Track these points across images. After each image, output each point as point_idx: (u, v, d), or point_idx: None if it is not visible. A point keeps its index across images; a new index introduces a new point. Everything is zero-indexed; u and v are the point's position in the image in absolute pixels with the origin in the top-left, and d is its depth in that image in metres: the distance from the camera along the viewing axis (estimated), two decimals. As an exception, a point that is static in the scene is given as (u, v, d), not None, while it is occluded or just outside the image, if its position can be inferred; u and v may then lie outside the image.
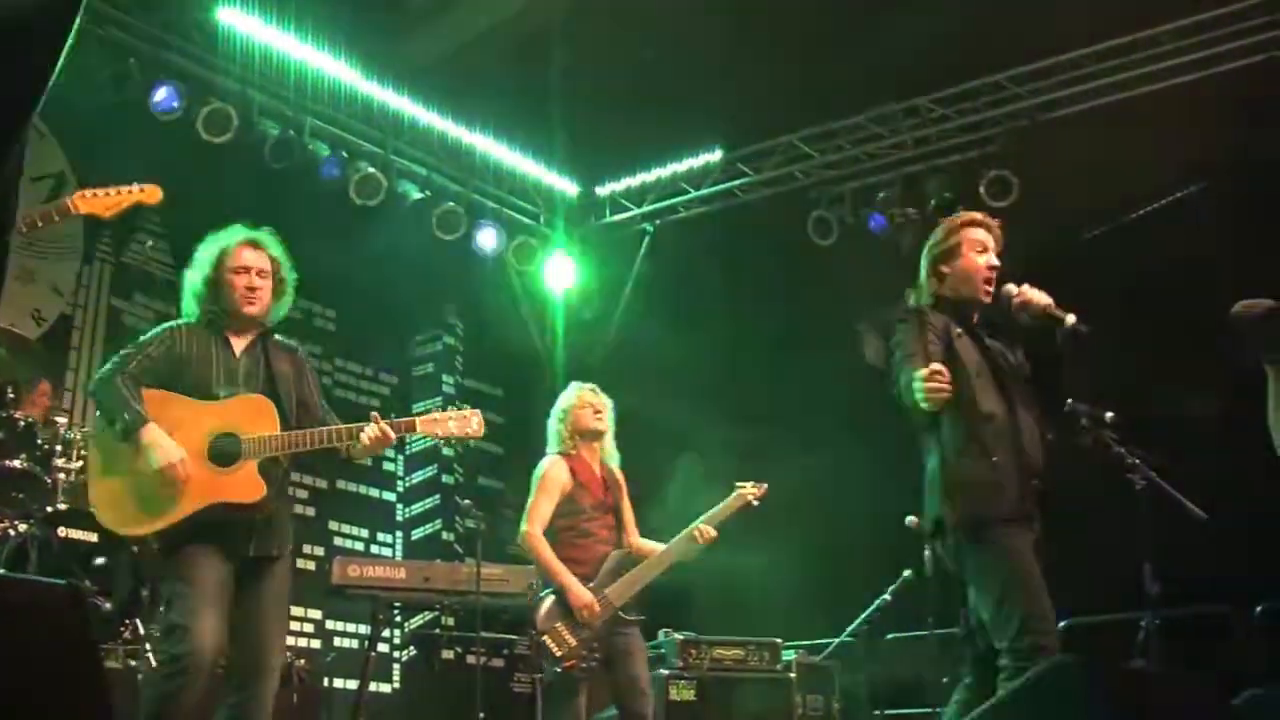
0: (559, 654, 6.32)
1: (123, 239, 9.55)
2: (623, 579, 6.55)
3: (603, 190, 11.97)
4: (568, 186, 11.95)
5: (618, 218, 11.98)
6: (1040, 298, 4.83)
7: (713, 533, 6.71)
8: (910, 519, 8.33)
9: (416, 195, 10.81)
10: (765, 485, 7.04)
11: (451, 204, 10.89)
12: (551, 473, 6.73)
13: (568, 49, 9.54)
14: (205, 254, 5.20)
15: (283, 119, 9.79)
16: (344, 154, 10.17)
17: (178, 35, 9.24)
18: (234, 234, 5.23)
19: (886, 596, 9.05)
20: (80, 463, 7.54)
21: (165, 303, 9.34)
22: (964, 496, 4.66)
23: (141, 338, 5.13)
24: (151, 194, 5.10)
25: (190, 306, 5.20)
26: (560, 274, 11.84)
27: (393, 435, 5.06)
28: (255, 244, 5.22)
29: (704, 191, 11.60)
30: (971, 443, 4.72)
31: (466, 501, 8.82)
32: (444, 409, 5.48)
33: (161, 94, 9.00)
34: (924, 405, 4.48)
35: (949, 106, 10.26)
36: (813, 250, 10.98)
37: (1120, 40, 9.25)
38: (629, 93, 9.94)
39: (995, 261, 4.96)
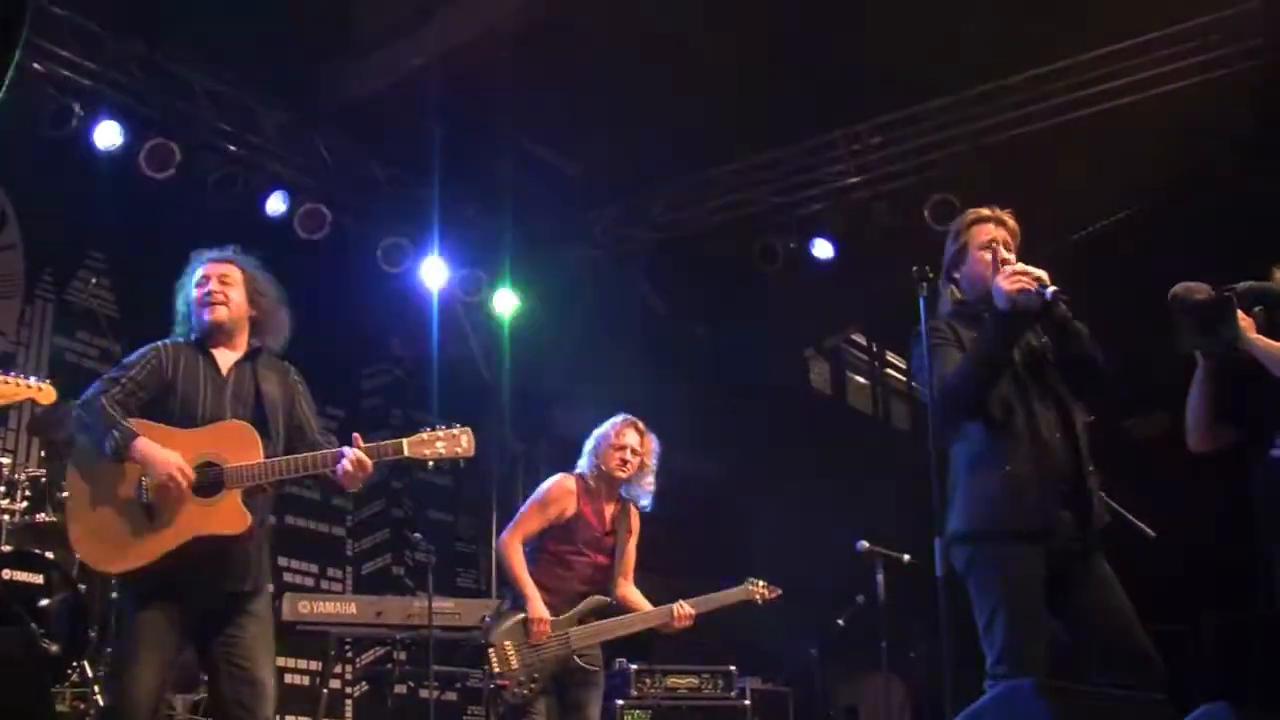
0: (497, 670, 6.15)
1: (65, 277, 9.43)
2: (590, 624, 6.35)
3: (550, 220, 11.93)
4: (510, 221, 11.89)
5: (566, 247, 11.95)
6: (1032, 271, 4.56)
7: (690, 613, 6.49)
8: (861, 544, 8.38)
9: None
10: (779, 591, 6.91)
11: (395, 238, 10.86)
12: (554, 493, 6.47)
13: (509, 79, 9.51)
14: (182, 282, 5.18)
15: (225, 155, 9.70)
16: (286, 189, 10.10)
17: (119, 71, 9.15)
18: (202, 257, 5.20)
19: (840, 623, 9.08)
20: (25, 503, 7.45)
21: (108, 340, 9.23)
22: (973, 512, 4.60)
23: (125, 359, 5.00)
24: (47, 394, 4.93)
25: (180, 330, 5.15)
26: (507, 304, 11.79)
27: (370, 465, 4.84)
28: (218, 260, 5.17)
29: (651, 219, 11.61)
30: (986, 454, 4.62)
31: (417, 535, 8.81)
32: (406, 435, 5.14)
33: (104, 130, 8.91)
34: (1016, 300, 4.43)
35: (890, 132, 10.32)
36: (759, 278, 11.01)
37: (1057, 65, 9.34)
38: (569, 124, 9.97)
39: (1007, 256, 4.71)
